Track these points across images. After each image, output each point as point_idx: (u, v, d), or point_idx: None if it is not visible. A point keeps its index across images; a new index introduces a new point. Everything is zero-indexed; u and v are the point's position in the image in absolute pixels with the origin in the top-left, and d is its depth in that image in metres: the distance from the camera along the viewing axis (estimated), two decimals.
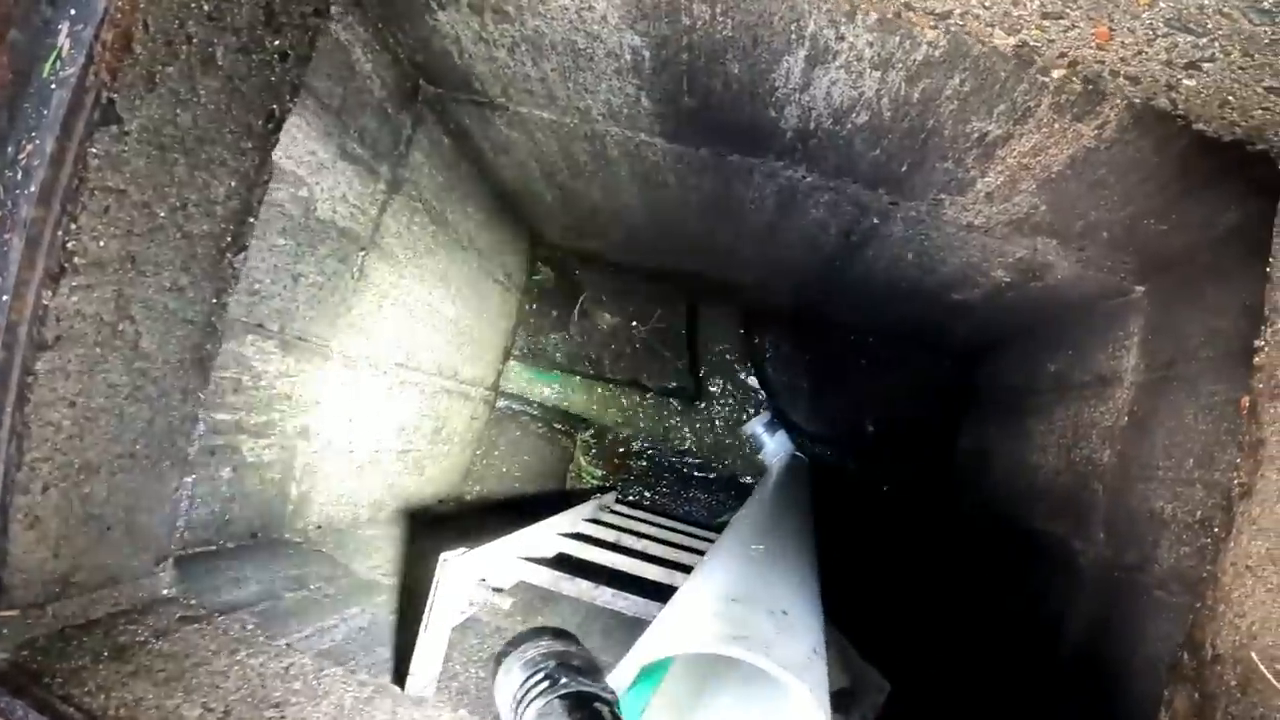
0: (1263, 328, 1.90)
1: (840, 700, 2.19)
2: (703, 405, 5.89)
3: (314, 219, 2.87)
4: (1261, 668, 1.55)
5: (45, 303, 1.67)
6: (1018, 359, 4.65)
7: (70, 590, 1.93)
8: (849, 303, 5.16)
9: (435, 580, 2.29)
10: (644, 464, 5.88)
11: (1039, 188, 2.85)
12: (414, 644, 2.28)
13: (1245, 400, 1.89)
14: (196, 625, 2.10)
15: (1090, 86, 2.22)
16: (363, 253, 3.23)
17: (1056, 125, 2.49)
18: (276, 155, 2.57)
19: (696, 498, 5.84)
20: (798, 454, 5.37)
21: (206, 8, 1.88)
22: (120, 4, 1.66)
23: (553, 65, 2.85)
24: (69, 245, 1.69)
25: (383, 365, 3.69)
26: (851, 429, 5.90)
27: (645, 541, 3.58)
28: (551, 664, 2.11)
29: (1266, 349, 1.88)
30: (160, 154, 1.87)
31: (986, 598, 4.19)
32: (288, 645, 2.10)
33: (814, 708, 1.53)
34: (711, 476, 5.90)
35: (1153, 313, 3.29)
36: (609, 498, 4.80)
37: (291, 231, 2.78)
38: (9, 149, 1.66)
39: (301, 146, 2.70)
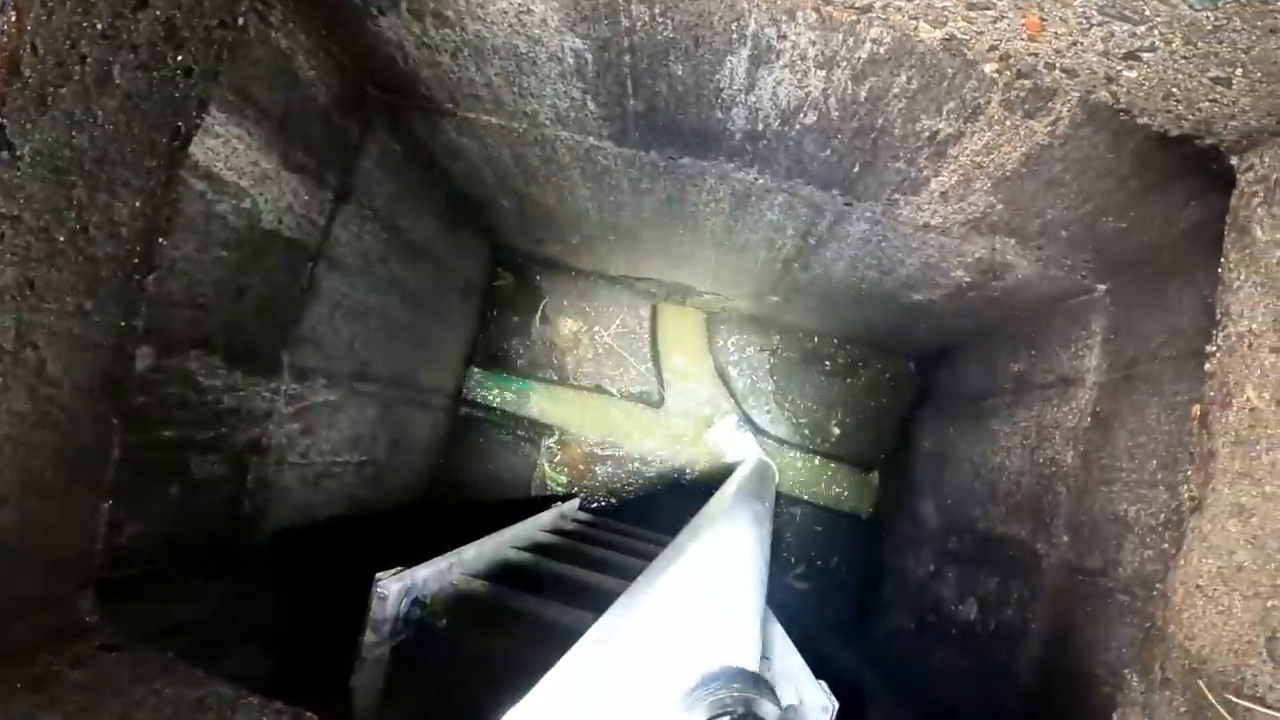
0: (1214, 331, 1.79)
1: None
2: (668, 409, 5.78)
3: (259, 231, 2.76)
4: (1210, 697, 1.44)
5: None
6: (980, 360, 4.52)
7: None
8: (810, 305, 5.01)
9: (370, 602, 2.20)
10: (609, 470, 5.77)
11: (994, 186, 2.74)
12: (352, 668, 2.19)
13: (1196, 409, 1.78)
14: (115, 654, 1.98)
15: (1031, 82, 2.11)
16: (311, 263, 3.11)
17: (1008, 123, 2.39)
18: (217, 167, 2.48)
19: (663, 503, 5.72)
20: (763, 457, 5.25)
21: (100, 25, 1.75)
22: (5, 27, 1.55)
23: (496, 70, 2.73)
24: None
25: (337, 377, 3.57)
26: (816, 431, 5.80)
27: (603, 550, 3.46)
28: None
29: (1218, 354, 1.77)
30: (57, 177, 1.75)
31: (948, 606, 4.08)
32: (205, 674, 1.98)
33: None
34: (677, 481, 5.79)
35: (1115, 311, 3.18)
36: (571, 505, 4.69)
37: (235, 244, 2.66)
38: None
39: (243, 157, 2.59)
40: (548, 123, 3.06)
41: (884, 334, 5.32)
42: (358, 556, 3.70)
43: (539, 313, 5.61)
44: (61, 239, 1.80)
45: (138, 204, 2.02)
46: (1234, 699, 1.40)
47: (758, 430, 5.73)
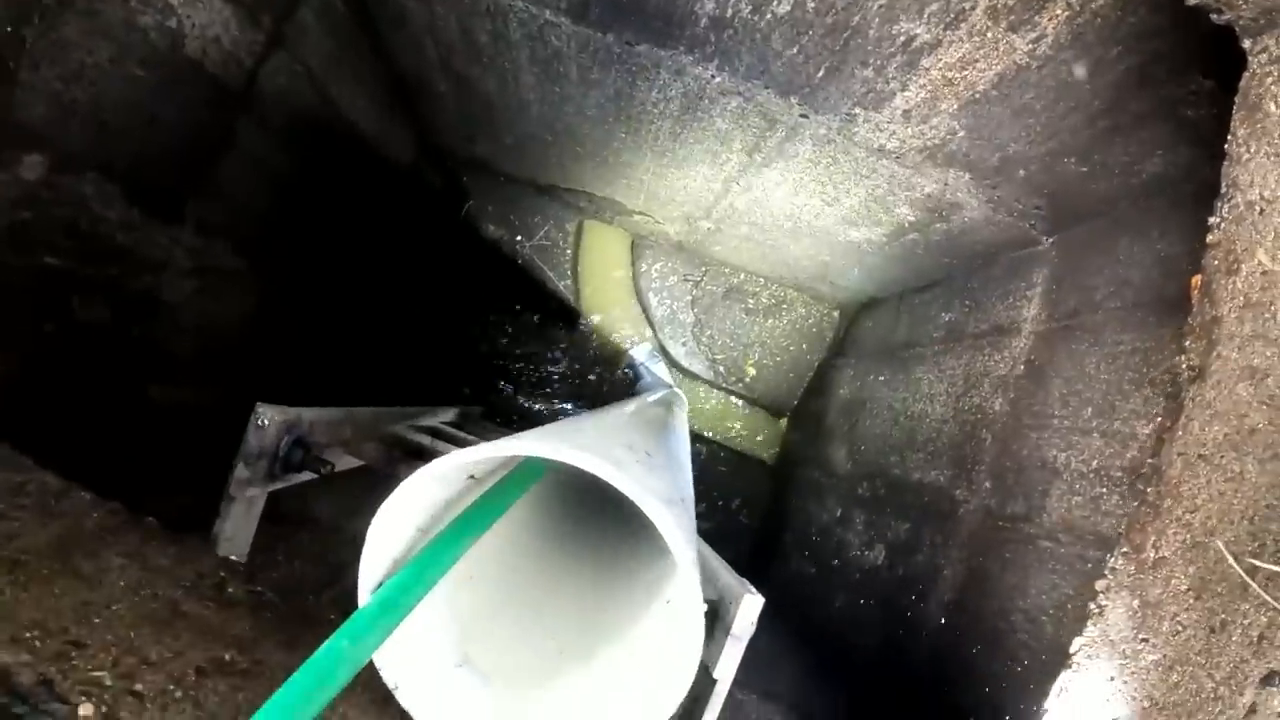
0: (1218, 204, 1.51)
1: (708, 617, 1.74)
2: (583, 330, 5.33)
3: (181, 56, 2.28)
4: (1235, 566, 1.10)
5: None
6: (909, 308, 4.20)
7: None
8: (741, 235, 4.51)
9: (247, 431, 1.76)
10: (514, 383, 5.32)
11: (960, 109, 2.41)
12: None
13: (1196, 280, 1.48)
14: None
15: None
16: (233, 109, 2.63)
17: (990, 34, 2.09)
18: None
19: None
20: (676, 390, 4.81)
21: None
22: None
23: None
24: None
25: (246, 245, 3.05)
26: (731, 370, 5.37)
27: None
28: None
29: (1223, 225, 1.49)
30: None
31: (853, 551, 3.76)
32: (34, 463, 1.51)
33: (680, 544, 1.07)
34: (584, 401, 5.36)
35: (1059, 263, 2.88)
36: (474, 410, 4.23)
37: (153, 64, 2.19)
38: None
39: None
40: None
41: (812, 276, 4.85)
42: None
43: (462, 214, 5.05)
44: None
45: None
46: (1256, 564, 1.07)
47: (672, 362, 5.31)
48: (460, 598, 1.37)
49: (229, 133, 2.66)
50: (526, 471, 1.41)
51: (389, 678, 1.20)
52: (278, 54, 2.72)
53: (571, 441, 1.14)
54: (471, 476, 1.32)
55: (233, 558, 1.61)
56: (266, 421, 1.76)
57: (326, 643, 0.93)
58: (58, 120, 1.97)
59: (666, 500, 1.12)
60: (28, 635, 1.03)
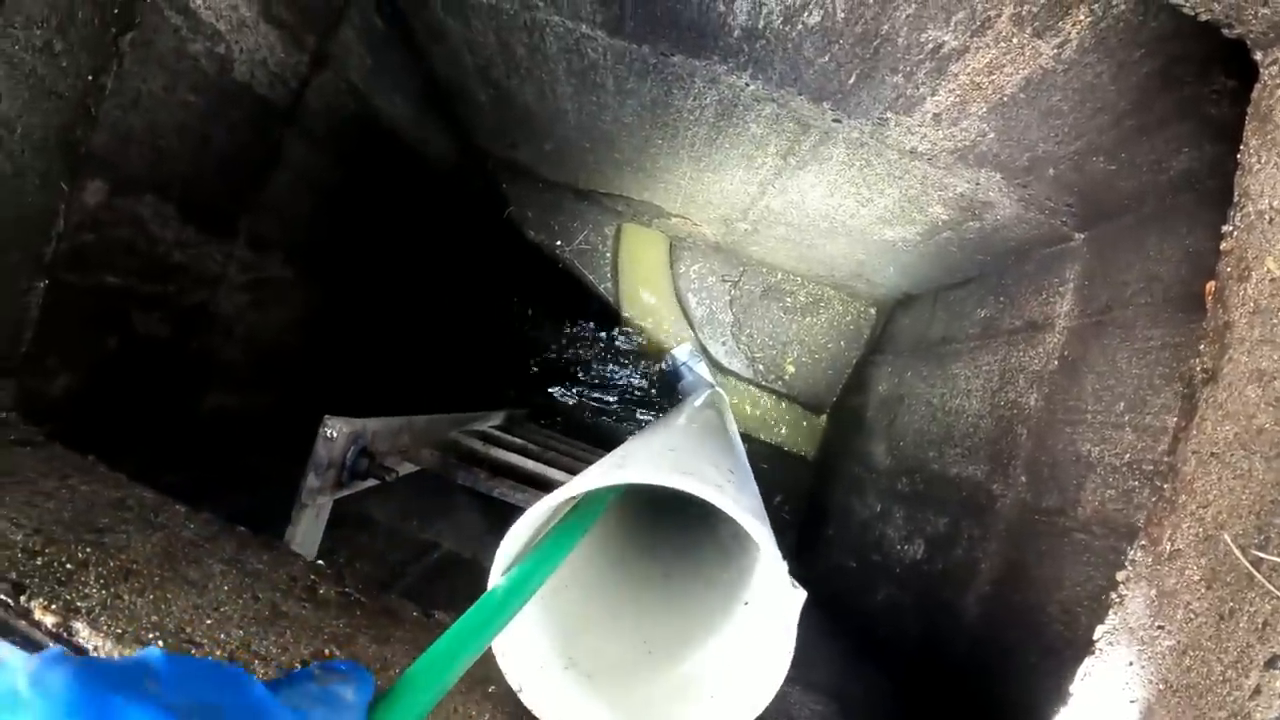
0: (1231, 212, 1.59)
1: None
2: (623, 331, 5.42)
3: (230, 80, 2.45)
4: (1240, 558, 1.19)
5: None
6: (945, 305, 4.25)
7: None
8: (778, 235, 4.58)
9: (316, 443, 1.90)
10: (560, 386, 5.45)
11: (989, 111, 2.49)
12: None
13: (1210, 285, 1.56)
14: (30, 449, 1.66)
15: None
16: (281, 127, 2.78)
17: (1015, 40, 2.15)
18: (196, 3, 2.20)
19: (606, 424, 5.43)
20: (718, 389, 4.91)
21: None
22: None
23: None
24: None
25: (296, 253, 3.22)
26: (771, 369, 5.45)
27: (550, 452, 3.15)
28: None
29: (1235, 233, 1.56)
30: None
31: (893, 545, 3.84)
32: (129, 478, 1.66)
33: (773, 555, 1.21)
34: (627, 403, 5.47)
35: (1090, 260, 2.93)
36: (519, 413, 4.37)
37: (204, 89, 2.36)
38: None
39: None
40: (540, 4, 2.71)
41: (848, 274, 4.89)
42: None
43: (504, 218, 5.16)
44: None
45: None
46: (1262, 555, 1.16)
47: (712, 362, 5.38)
48: (558, 604, 1.50)
49: (277, 150, 2.82)
50: (611, 489, 1.53)
51: (513, 680, 1.32)
52: (322, 73, 2.87)
53: (673, 466, 1.26)
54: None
55: (319, 562, 1.75)
56: (335, 433, 1.90)
57: (482, 597, 1.05)
58: (118, 147, 2.13)
59: (760, 517, 1.24)
60: (151, 636, 1.17)
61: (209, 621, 1.28)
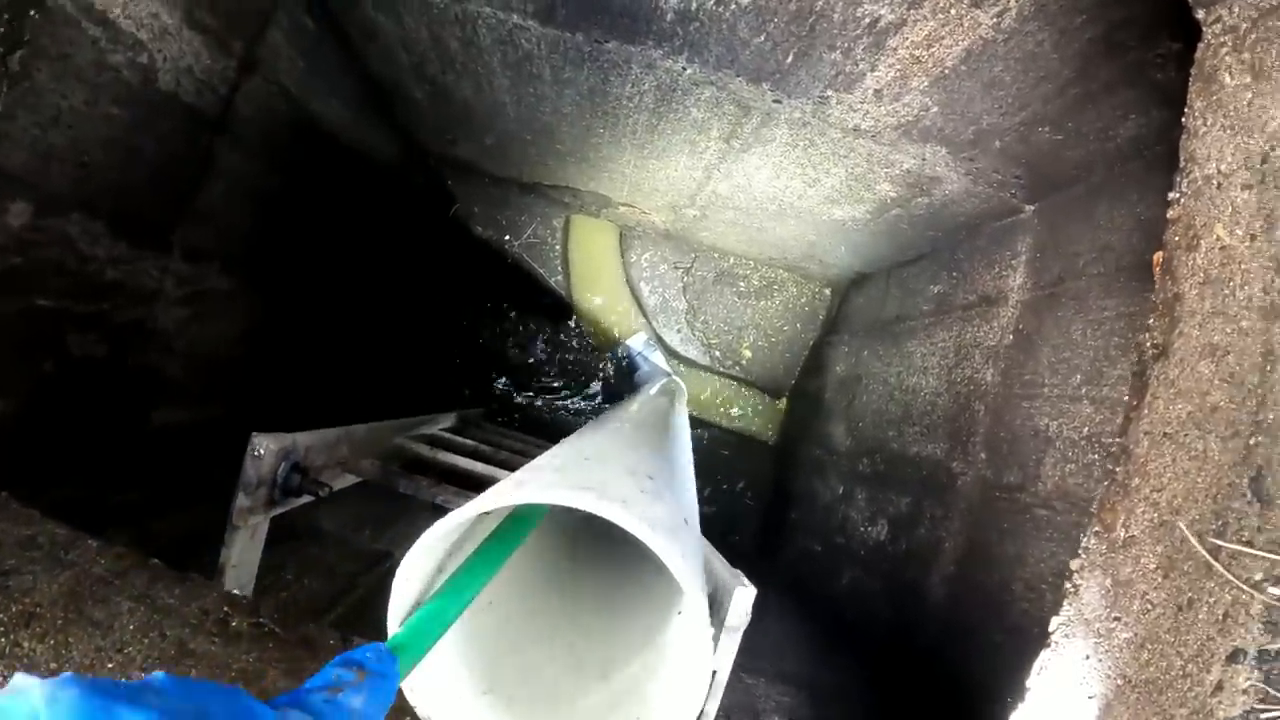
0: (1177, 178, 1.52)
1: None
2: (577, 324, 5.36)
3: (155, 90, 2.32)
4: (1197, 546, 1.14)
5: None
6: (899, 282, 4.22)
7: None
8: (727, 220, 4.51)
9: (244, 461, 1.80)
10: (513, 382, 5.38)
11: (931, 85, 2.42)
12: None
13: (1158, 256, 1.50)
14: None
15: None
16: (210, 135, 2.65)
17: (953, 11, 2.09)
18: (114, 14, 2.08)
19: (565, 419, 5.38)
20: (674, 377, 4.84)
21: None
22: None
23: None
24: None
25: (233, 259, 3.07)
26: (727, 354, 5.40)
27: (503, 452, 3.06)
28: None
29: (1182, 200, 1.50)
30: None
31: (857, 527, 3.80)
32: (42, 514, 1.56)
33: (687, 575, 1.10)
34: (584, 396, 5.42)
35: (1041, 231, 2.90)
36: (474, 413, 4.28)
37: (128, 101, 2.24)
38: None
39: (143, 7, 2.18)
40: None
41: (800, 256, 4.85)
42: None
43: (450, 216, 5.05)
44: None
45: None
46: (1219, 543, 1.10)
47: (668, 350, 5.33)
48: (482, 624, 1.41)
49: (209, 159, 2.69)
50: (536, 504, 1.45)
51: (422, 711, 1.23)
52: (251, 78, 2.74)
53: (576, 481, 1.17)
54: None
55: (235, 591, 1.65)
56: (262, 451, 1.81)
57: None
58: (38, 166, 2.02)
59: (670, 530, 1.15)
60: None
61: (110, 665, 1.21)
